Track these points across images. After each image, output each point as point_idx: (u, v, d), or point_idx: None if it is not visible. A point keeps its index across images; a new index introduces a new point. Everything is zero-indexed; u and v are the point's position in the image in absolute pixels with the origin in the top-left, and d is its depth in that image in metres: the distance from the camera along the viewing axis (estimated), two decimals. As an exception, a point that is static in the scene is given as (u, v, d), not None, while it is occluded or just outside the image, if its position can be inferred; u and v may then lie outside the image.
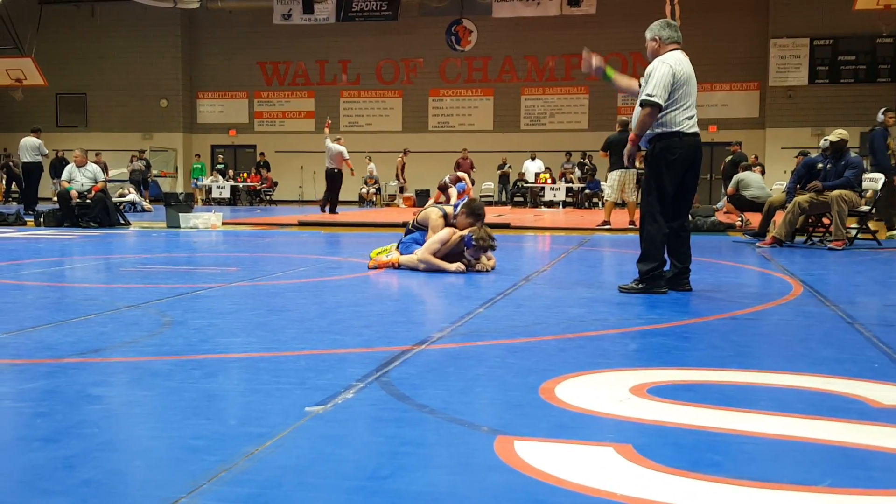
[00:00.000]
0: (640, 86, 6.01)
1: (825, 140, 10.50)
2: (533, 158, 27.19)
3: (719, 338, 4.25)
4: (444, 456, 2.37)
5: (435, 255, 6.94)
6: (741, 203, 13.14)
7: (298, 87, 31.08)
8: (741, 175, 13.30)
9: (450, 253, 7.01)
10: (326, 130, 19.50)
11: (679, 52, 5.79)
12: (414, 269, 7.05)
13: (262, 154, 29.30)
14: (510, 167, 27.67)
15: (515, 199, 27.01)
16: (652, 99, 5.57)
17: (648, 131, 5.75)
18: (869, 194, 12.22)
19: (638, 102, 5.87)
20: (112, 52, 30.97)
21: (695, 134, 5.78)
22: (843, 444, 2.47)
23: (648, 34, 5.89)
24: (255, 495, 2.05)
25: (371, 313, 5.04)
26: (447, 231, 7.03)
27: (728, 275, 7.24)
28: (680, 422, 2.68)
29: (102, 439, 2.49)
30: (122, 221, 14.28)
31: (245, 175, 28.20)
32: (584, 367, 3.47)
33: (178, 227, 13.55)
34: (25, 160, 18.59)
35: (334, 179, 18.78)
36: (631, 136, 5.75)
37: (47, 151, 18.93)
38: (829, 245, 9.67)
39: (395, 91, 30.43)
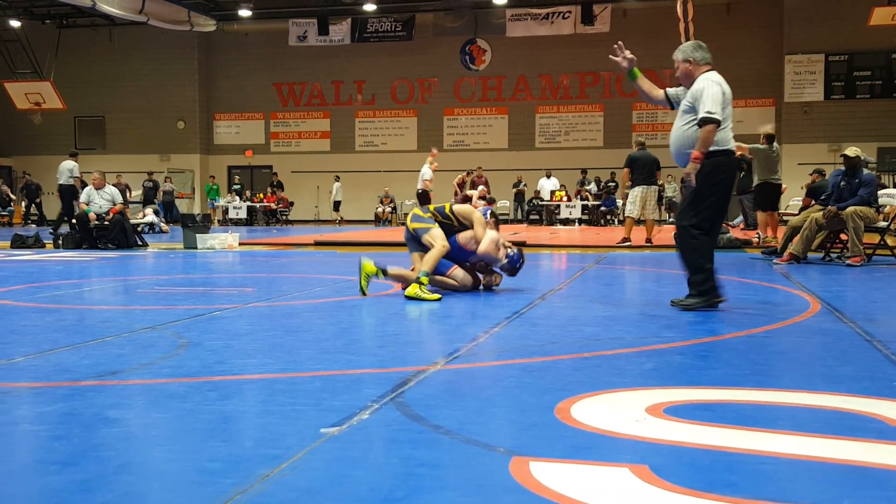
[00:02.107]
0: (666, 97, 6.08)
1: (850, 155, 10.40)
2: (548, 176, 27.20)
3: (736, 356, 4.22)
4: (459, 477, 2.37)
5: (474, 252, 6.94)
6: (764, 198, 12.75)
7: (314, 108, 31.28)
8: (765, 148, 12.54)
9: (478, 262, 7.08)
10: (430, 158, 19.91)
11: (714, 72, 5.83)
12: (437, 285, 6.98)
13: (275, 174, 29.49)
14: (525, 185, 27.69)
15: (531, 216, 27.01)
16: (714, 116, 5.61)
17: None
18: (888, 209, 12.13)
19: (680, 122, 5.87)
20: (129, 74, 31.29)
21: (734, 151, 5.91)
22: (862, 464, 2.45)
23: (680, 55, 5.92)
24: (270, 518, 2.05)
25: (386, 333, 5.04)
26: (497, 235, 7.04)
27: (745, 292, 7.20)
28: (697, 442, 2.66)
29: (119, 462, 2.50)
30: (140, 243, 14.38)
31: (261, 195, 28.37)
32: (600, 386, 3.46)
33: (196, 247, 13.63)
34: (60, 182, 19.08)
35: (421, 199, 19.67)
36: (695, 153, 5.71)
37: (78, 174, 19.25)
38: (848, 261, 9.60)
39: (410, 110, 30.56)
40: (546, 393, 3.32)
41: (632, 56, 6.07)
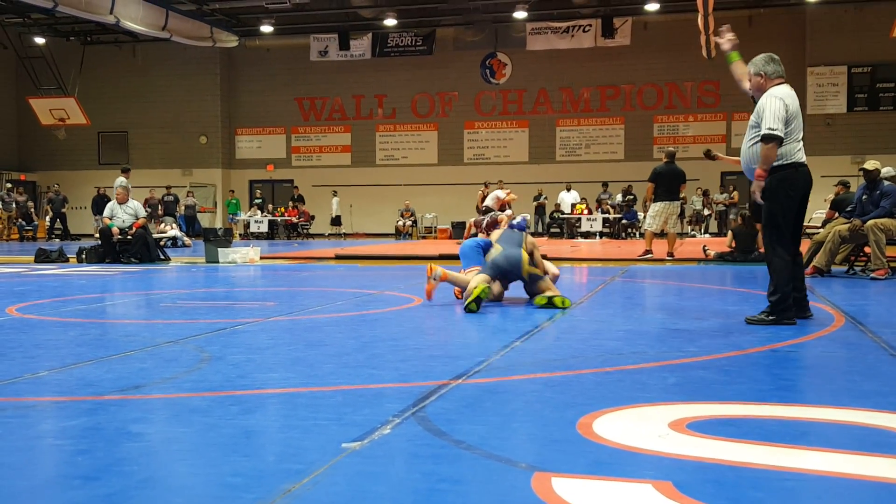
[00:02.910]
0: (752, 97, 6.05)
1: (888, 169, 10.32)
2: (569, 189, 27.16)
3: (760, 371, 4.19)
4: (481, 493, 2.36)
5: None
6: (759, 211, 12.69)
7: (335, 122, 31.44)
8: None
9: None
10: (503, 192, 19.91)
11: (786, 85, 5.81)
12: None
13: (296, 188, 29.64)
14: (546, 198, 27.66)
15: (552, 230, 26.96)
16: (774, 133, 5.60)
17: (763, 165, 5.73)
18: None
19: (748, 137, 5.87)
20: (153, 90, 31.60)
21: (805, 164, 5.86)
22: (888, 481, 2.42)
23: (752, 69, 5.92)
24: (292, 533, 2.05)
25: (408, 347, 5.04)
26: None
27: (768, 306, 7.13)
28: (721, 458, 2.63)
29: (142, 477, 2.51)
30: (163, 257, 14.47)
31: (283, 209, 28.51)
32: (623, 401, 3.44)
33: (217, 261, 13.69)
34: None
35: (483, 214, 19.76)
36: (758, 171, 5.73)
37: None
38: (872, 274, 9.51)
39: (431, 124, 30.65)
40: (568, 408, 3.31)
41: (735, 40, 6.08)
